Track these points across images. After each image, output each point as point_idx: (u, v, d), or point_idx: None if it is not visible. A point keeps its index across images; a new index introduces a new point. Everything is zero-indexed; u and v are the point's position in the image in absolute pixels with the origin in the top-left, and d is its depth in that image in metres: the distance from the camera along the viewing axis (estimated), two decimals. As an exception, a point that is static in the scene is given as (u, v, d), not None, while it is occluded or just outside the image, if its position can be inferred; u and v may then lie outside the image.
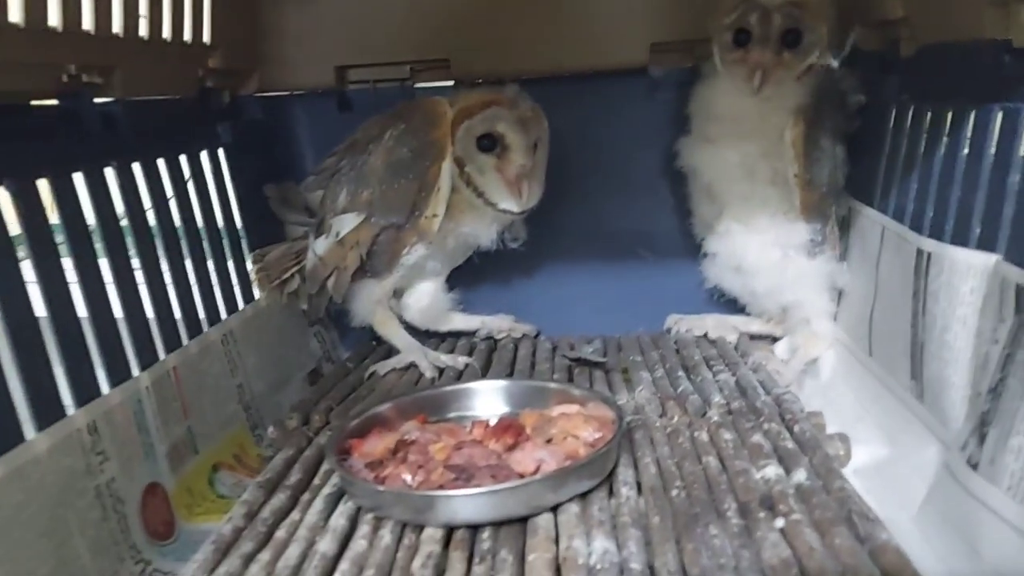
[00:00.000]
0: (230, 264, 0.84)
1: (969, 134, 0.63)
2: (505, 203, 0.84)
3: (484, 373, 0.86)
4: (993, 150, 0.59)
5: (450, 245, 0.88)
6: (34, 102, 0.62)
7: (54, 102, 0.63)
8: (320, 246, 0.87)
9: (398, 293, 0.92)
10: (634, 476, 0.62)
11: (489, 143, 0.82)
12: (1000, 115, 0.59)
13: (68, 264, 0.60)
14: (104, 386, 0.60)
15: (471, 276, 0.95)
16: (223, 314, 0.80)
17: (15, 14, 0.55)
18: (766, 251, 0.84)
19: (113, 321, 0.64)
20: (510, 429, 0.64)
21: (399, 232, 0.84)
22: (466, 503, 0.55)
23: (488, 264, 0.92)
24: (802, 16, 0.79)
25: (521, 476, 0.59)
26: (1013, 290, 0.52)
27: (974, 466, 0.52)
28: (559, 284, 1.00)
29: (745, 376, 0.79)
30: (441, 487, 0.57)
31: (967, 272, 0.58)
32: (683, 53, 0.91)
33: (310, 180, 0.92)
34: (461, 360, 0.87)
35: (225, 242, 0.84)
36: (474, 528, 0.55)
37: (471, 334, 0.97)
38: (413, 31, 0.96)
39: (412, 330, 0.93)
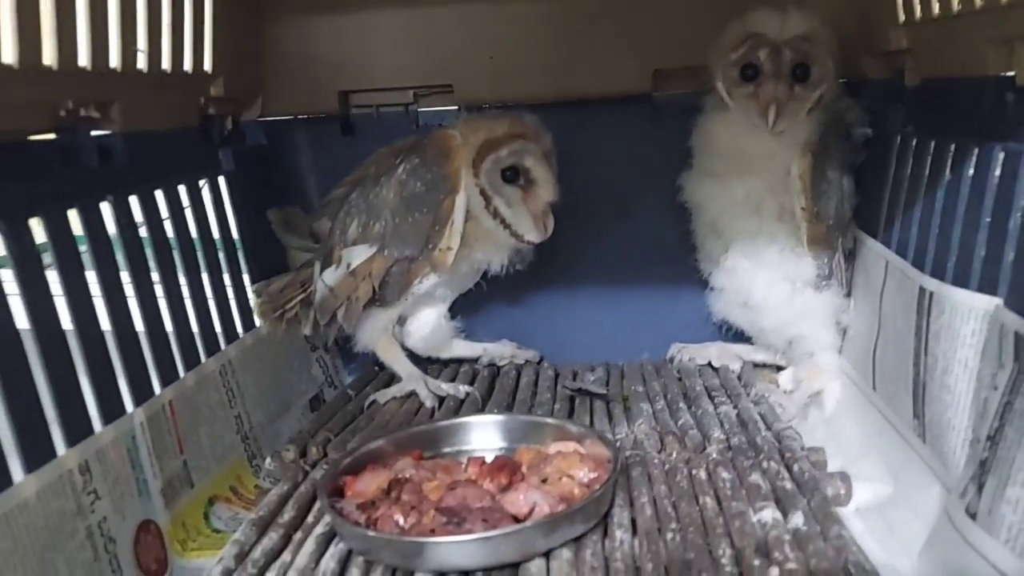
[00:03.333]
0: (230, 292, 0.83)
1: (971, 172, 0.61)
2: (530, 235, 0.84)
3: (485, 402, 0.85)
4: (994, 191, 0.58)
5: (462, 271, 0.87)
6: (31, 137, 0.61)
7: (51, 136, 0.63)
8: (330, 277, 0.86)
9: (401, 320, 0.92)
10: (629, 516, 0.61)
11: (512, 174, 0.82)
12: (1002, 155, 0.57)
13: (60, 299, 0.59)
14: (97, 423, 0.59)
15: (474, 303, 0.94)
16: (222, 344, 0.79)
17: (8, 55, 0.54)
18: (774, 286, 0.82)
19: (107, 355, 0.62)
20: (505, 468, 0.63)
21: (412, 264, 0.83)
22: (456, 549, 0.54)
23: (491, 291, 0.91)
24: (810, 50, 0.77)
25: (515, 518, 0.58)
26: (1012, 338, 0.51)
27: (973, 515, 0.51)
28: (563, 311, 0.99)
29: (747, 409, 0.78)
30: (432, 531, 0.56)
31: (968, 314, 0.57)
32: (686, 79, 0.89)
33: (318, 210, 0.92)
34: (462, 389, 0.87)
35: (225, 270, 0.83)
36: (465, 574, 0.55)
37: (473, 361, 0.96)
38: (416, 57, 0.96)
39: (414, 357, 0.93)
